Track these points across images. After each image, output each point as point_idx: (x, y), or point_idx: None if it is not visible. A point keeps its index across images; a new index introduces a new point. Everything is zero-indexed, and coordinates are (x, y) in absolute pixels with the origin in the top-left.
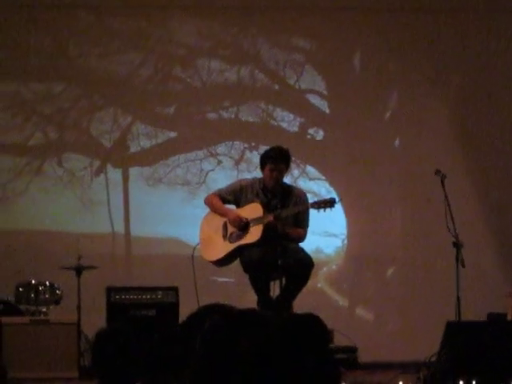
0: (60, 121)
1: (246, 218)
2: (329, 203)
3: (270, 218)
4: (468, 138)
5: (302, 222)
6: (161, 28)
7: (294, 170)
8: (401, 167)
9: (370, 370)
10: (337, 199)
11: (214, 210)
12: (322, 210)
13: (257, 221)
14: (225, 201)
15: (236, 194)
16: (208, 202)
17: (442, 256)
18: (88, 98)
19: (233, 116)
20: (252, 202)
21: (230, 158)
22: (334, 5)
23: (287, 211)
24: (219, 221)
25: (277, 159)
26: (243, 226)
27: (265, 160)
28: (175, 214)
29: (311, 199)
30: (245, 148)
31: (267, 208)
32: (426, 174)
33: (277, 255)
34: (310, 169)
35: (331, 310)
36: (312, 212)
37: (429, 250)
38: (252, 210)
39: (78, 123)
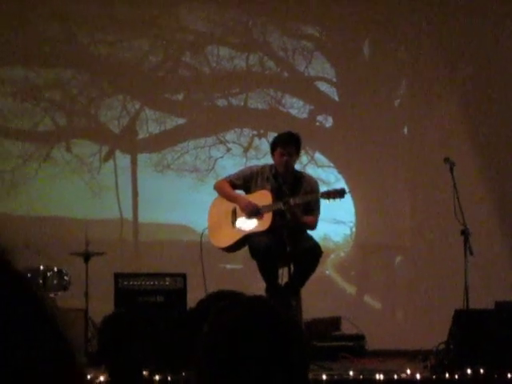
0: (69, 107)
1: (257, 205)
2: (338, 194)
3: (280, 205)
4: (477, 125)
5: (313, 210)
6: (170, 15)
7: (303, 157)
8: (409, 155)
9: (378, 357)
10: (347, 190)
11: (224, 195)
12: (331, 200)
13: (267, 208)
14: (235, 186)
15: (246, 180)
16: (218, 187)
17: (450, 244)
18: (97, 84)
19: (242, 103)
20: (262, 188)
21: (239, 145)
22: None
23: (297, 199)
24: (228, 206)
25: (287, 143)
26: (254, 213)
27: (275, 144)
28: (184, 201)
29: (320, 187)
30: (253, 135)
31: (277, 194)
32: (434, 161)
33: (285, 242)
34: (318, 156)
35: (339, 298)
36: (321, 200)
37: (437, 238)
38: (261, 197)
39: (86, 109)
